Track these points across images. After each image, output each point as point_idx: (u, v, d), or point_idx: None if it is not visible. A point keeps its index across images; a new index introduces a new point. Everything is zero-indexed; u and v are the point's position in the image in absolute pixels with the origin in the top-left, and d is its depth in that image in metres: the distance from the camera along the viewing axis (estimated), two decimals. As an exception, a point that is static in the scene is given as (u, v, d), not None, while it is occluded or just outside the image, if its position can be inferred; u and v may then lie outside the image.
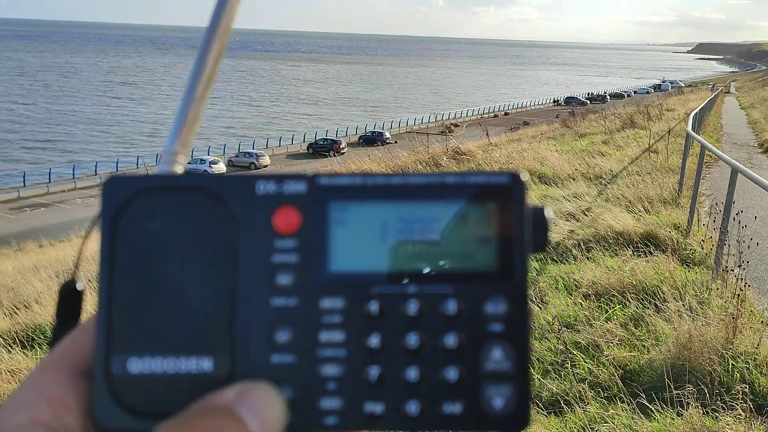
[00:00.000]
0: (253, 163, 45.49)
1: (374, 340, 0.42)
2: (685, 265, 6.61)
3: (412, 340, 0.42)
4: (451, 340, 0.42)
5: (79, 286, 0.47)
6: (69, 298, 0.47)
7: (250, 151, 48.15)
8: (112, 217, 0.42)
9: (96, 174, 40.91)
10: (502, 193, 0.43)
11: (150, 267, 0.42)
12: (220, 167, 42.60)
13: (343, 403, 0.41)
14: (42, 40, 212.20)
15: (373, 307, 0.42)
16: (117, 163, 44.00)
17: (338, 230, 0.43)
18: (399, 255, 0.43)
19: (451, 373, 0.42)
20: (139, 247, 0.42)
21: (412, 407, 0.41)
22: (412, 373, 0.42)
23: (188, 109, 0.49)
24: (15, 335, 5.89)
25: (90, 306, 0.45)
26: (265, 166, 45.33)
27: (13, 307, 6.90)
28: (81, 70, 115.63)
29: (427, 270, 0.43)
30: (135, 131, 60.53)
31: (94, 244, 0.45)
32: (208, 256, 0.42)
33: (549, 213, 0.45)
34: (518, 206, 0.43)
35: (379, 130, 57.74)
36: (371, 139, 52.90)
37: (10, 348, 5.58)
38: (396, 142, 47.92)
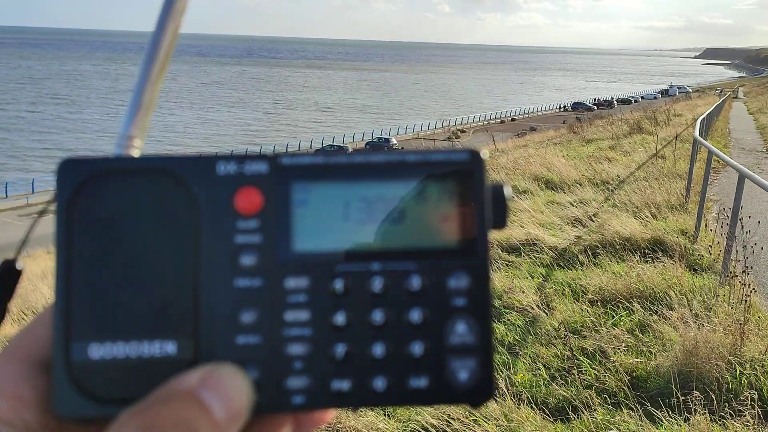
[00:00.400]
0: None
1: (340, 318, 0.42)
2: (692, 271, 6.58)
3: (378, 316, 0.42)
4: (415, 316, 0.42)
5: (18, 266, 0.47)
6: (6, 275, 0.46)
7: (257, 157, 48.30)
8: (67, 200, 0.41)
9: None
10: (462, 171, 0.43)
11: (109, 251, 0.41)
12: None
13: (310, 381, 0.41)
14: (50, 48, 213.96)
15: (338, 285, 0.42)
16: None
17: (301, 210, 0.43)
18: (362, 233, 0.43)
19: (417, 348, 0.42)
20: (96, 231, 0.41)
21: (379, 383, 0.42)
22: (378, 349, 0.42)
23: (143, 92, 0.49)
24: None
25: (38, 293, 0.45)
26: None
27: (21, 313, 6.94)
28: (89, 77, 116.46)
29: (390, 247, 0.43)
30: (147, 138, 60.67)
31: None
32: (169, 238, 0.41)
33: (508, 190, 0.45)
34: (478, 183, 0.43)
35: (386, 136, 57.80)
36: (378, 145, 52.96)
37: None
38: (403, 148, 48.02)
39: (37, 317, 0.43)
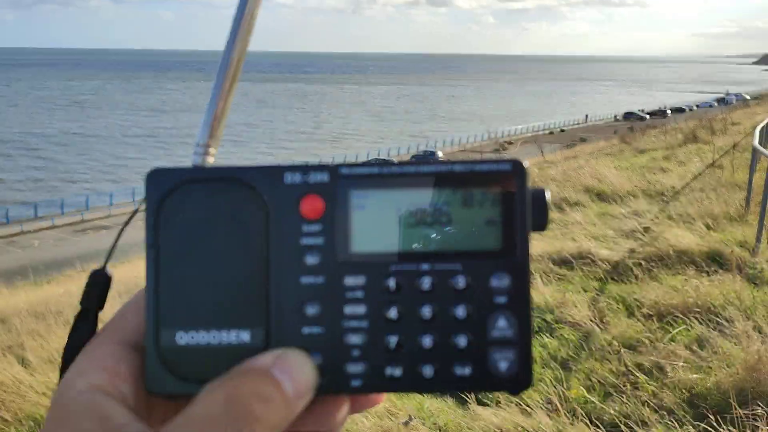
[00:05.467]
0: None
1: (392, 312, 0.46)
2: (752, 285, 6.35)
3: (426, 311, 0.46)
4: (460, 311, 0.47)
5: (108, 273, 0.52)
6: (99, 283, 0.52)
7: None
8: (156, 205, 0.47)
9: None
10: (505, 179, 0.47)
11: (191, 250, 0.47)
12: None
13: (366, 367, 0.46)
14: (94, 68, 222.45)
15: (391, 283, 0.47)
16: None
17: (359, 215, 0.47)
18: (413, 236, 0.47)
19: (461, 340, 0.46)
20: (180, 232, 0.47)
21: (427, 370, 0.46)
22: (427, 341, 0.46)
23: (216, 104, 0.53)
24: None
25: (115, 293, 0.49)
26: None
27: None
28: (145, 92, 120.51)
29: (438, 249, 0.47)
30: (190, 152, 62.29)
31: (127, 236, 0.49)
32: (242, 239, 0.47)
33: (548, 195, 0.49)
34: (520, 190, 0.47)
35: (432, 149, 57.79)
36: (424, 159, 53.01)
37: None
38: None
39: (128, 303, 0.49)
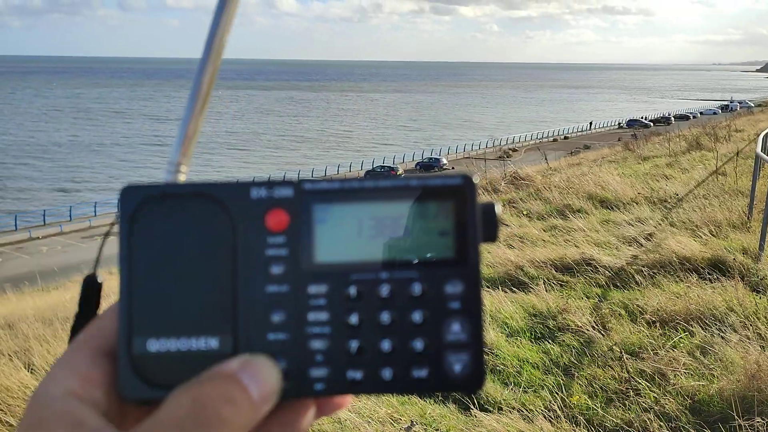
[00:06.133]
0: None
1: (354, 318, 0.49)
2: (755, 292, 6.35)
3: (385, 317, 0.50)
4: (417, 317, 0.50)
5: (99, 279, 0.55)
6: (90, 289, 0.54)
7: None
8: (128, 219, 0.50)
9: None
10: (456, 193, 0.51)
11: (162, 261, 0.49)
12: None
13: (328, 371, 0.49)
14: (102, 76, 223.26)
15: (352, 290, 0.50)
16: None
17: (321, 227, 0.50)
18: (373, 247, 0.50)
19: (418, 344, 0.49)
20: (152, 244, 0.49)
21: (387, 373, 0.49)
22: (386, 345, 0.49)
23: (188, 124, 0.56)
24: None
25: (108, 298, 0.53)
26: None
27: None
28: (147, 100, 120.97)
29: (396, 259, 0.50)
30: (198, 159, 62.54)
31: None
32: (211, 251, 0.49)
33: (498, 208, 0.52)
34: (470, 203, 0.51)
35: (436, 156, 57.75)
36: (428, 165, 52.98)
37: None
38: (453, 167, 47.90)
39: (104, 313, 0.51)
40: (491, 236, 0.52)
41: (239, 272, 0.50)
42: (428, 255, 0.50)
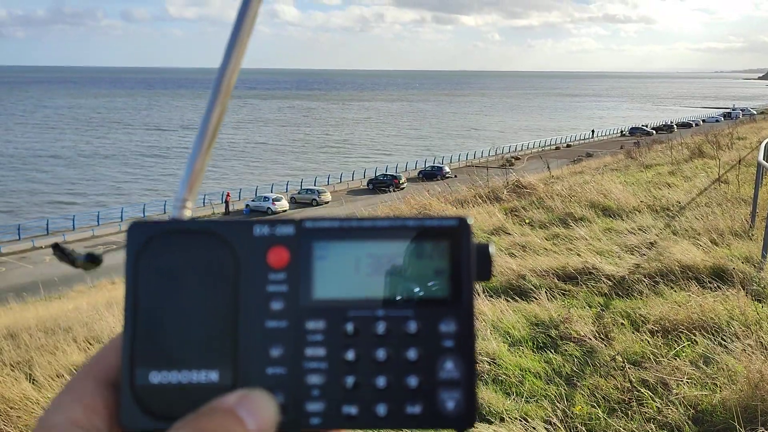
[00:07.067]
0: (314, 199, 46.27)
1: (350, 354, 0.51)
2: (757, 301, 6.33)
3: (381, 354, 0.51)
4: (412, 354, 0.51)
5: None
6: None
7: (312, 187, 49.00)
8: (135, 255, 0.51)
9: (164, 213, 42.42)
10: (451, 234, 0.52)
11: (166, 295, 0.50)
12: (283, 204, 43.59)
13: (325, 406, 0.50)
14: (109, 85, 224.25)
15: (349, 327, 0.51)
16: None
17: (320, 265, 0.52)
18: (370, 284, 0.52)
19: (412, 381, 0.50)
20: (156, 279, 0.51)
21: (381, 409, 0.50)
22: (381, 381, 0.50)
23: (195, 161, 0.58)
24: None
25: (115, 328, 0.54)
26: (327, 203, 46.02)
27: (87, 342, 7.24)
28: (150, 110, 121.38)
29: (392, 297, 0.52)
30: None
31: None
32: (214, 286, 0.51)
33: (492, 249, 0.54)
34: (465, 244, 0.52)
35: (439, 165, 57.79)
36: (431, 174, 53.01)
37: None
38: (456, 176, 47.88)
39: (109, 343, 0.53)
40: (485, 276, 0.53)
41: (240, 307, 0.51)
42: (423, 294, 0.52)
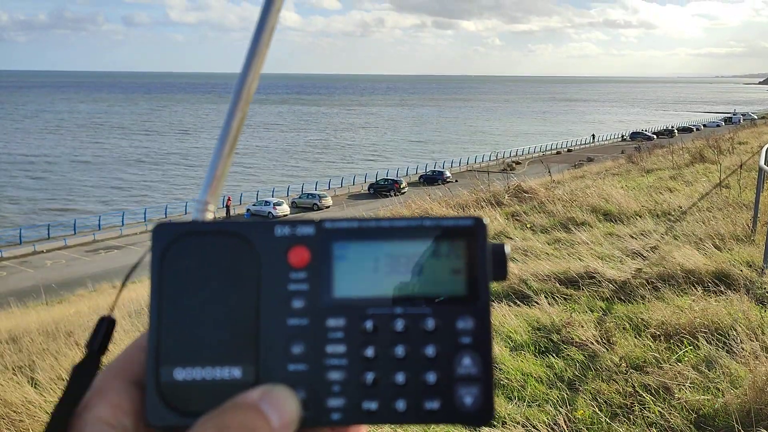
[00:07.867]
0: (315, 204, 46.31)
1: (369, 351, 0.52)
2: (760, 305, 6.33)
3: (400, 350, 0.52)
4: (430, 351, 0.52)
5: (113, 318, 0.56)
6: (103, 330, 0.55)
7: (313, 192, 49.07)
8: (160, 255, 0.52)
9: (166, 216, 42.47)
10: (468, 234, 0.53)
11: (190, 294, 0.52)
12: (284, 209, 43.63)
13: (345, 402, 0.51)
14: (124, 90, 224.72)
15: (369, 325, 0.52)
16: (186, 205, 45.68)
17: (340, 264, 0.53)
18: (388, 283, 0.53)
19: (431, 377, 0.51)
20: (180, 278, 0.52)
21: (400, 404, 0.51)
22: (400, 377, 0.51)
23: (217, 165, 0.60)
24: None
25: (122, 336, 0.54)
26: (328, 207, 46.07)
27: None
28: (155, 115, 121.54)
29: (410, 295, 0.53)
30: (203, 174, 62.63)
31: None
32: (236, 285, 0.52)
33: (507, 249, 0.55)
34: (481, 243, 0.53)
35: (440, 169, 57.84)
36: (432, 178, 53.06)
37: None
38: (457, 180, 47.93)
39: (134, 342, 0.54)
40: (501, 275, 0.54)
41: (262, 306, 0.52)
42: (441, 292, 0.53)
